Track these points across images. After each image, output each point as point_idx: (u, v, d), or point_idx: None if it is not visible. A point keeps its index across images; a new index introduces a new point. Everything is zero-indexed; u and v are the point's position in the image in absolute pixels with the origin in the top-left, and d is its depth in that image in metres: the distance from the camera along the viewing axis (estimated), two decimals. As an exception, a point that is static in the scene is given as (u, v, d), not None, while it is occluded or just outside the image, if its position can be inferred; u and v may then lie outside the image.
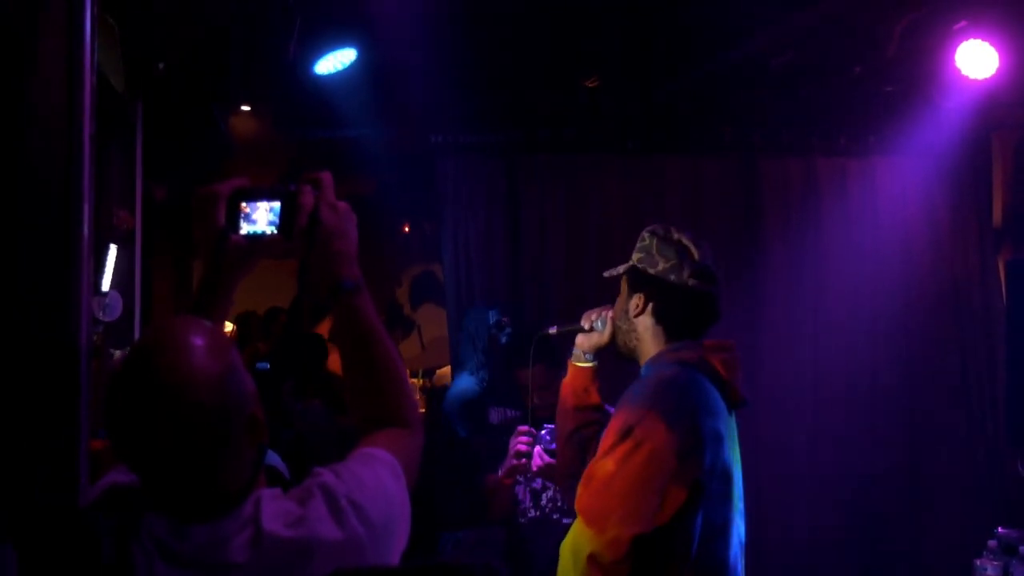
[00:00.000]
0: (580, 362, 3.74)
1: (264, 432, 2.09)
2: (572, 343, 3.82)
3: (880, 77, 6.45)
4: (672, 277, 3.40)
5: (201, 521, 2.03)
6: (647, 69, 6.59)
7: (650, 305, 3.43)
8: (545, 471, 4.45)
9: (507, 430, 4.85)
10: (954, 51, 5.79)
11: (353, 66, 5.83)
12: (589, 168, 7.08)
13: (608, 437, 3.17)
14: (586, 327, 3.70)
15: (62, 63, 2.85)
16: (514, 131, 6.98)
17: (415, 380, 9.84)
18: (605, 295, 6.85)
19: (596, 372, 3.74)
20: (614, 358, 3.65)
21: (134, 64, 4.36)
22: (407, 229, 10.87)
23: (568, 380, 3.76)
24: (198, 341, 2.02)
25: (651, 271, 3.43)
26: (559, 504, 4.69)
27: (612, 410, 3.54)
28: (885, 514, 6.86)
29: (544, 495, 4.72)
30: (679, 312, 3.43)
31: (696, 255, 3.43)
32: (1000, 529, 5.24)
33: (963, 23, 5.67)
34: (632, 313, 3.46)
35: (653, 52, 6.43)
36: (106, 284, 4.46)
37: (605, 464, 3.10)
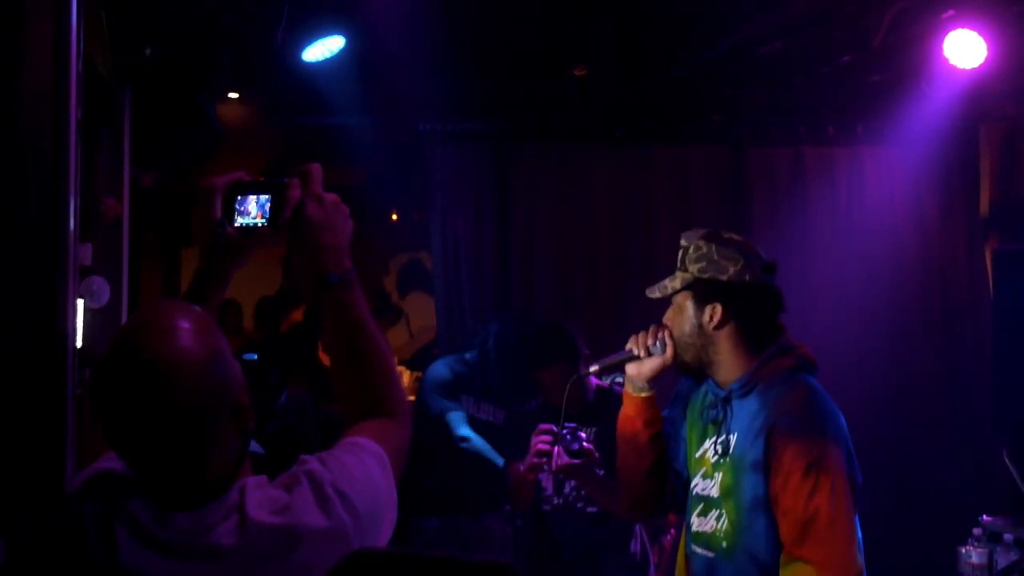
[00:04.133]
0: (643, 392, 3.50)
1: (250, 419, 2.09)
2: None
3: (868, 67, 6.45)
4: (747, 277, 3.28)
5: (187, 507, 2.03)
6: (636, 58, 6.59)
7: (730, 313, 3.30)
8: (566, 470, 4.46)
9: (528, 415, 4.89)
10: (942, 41, 5.78)
11: (341, 53, 5.82)
12: (578, 157, 7.09)
13: (790, 473, 3.09)
14: (640, 354, 3.43)
15: (48, 49, 2.85)
16: (503, 119, 6.99)
17: (403, 369, 9.84)
18: (593, 284, 6.90)
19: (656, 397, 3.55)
20: (674, 374, 3.49)
21: (121, 51, 4.35)
22: (395, 217, 10.86)
23: (633, 413, 3.51)
24: (184, 324, 2.03)
25: (723, 278, 3.28)
26: (582, 492, 4.71)
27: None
28: (870, 502, 6.86)
29: (568, 483, 4.74)
30: (761, 312, 3.35)
31: (756, 250, 3.36)
32: (985, 517, 5.26)
33: (951, 13, 5.67)
34: (710, 327, 3.30)
35: (642, 41, 6.43)
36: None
37: (816, 503, 3.06)
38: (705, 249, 3.32)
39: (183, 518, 2.03)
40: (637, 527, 4.80)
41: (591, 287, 7.01)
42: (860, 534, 3.19)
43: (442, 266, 6.92)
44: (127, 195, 5.27)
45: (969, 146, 7.40)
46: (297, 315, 8.17)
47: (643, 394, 3.48)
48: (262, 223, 2.33)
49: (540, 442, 4.44)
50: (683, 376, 3.51)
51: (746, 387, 3.28)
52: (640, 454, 3.53)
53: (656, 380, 3.48)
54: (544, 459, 4.44)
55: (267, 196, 2.33)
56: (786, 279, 7.14)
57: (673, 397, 3.63)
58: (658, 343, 3.39)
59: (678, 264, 3.38)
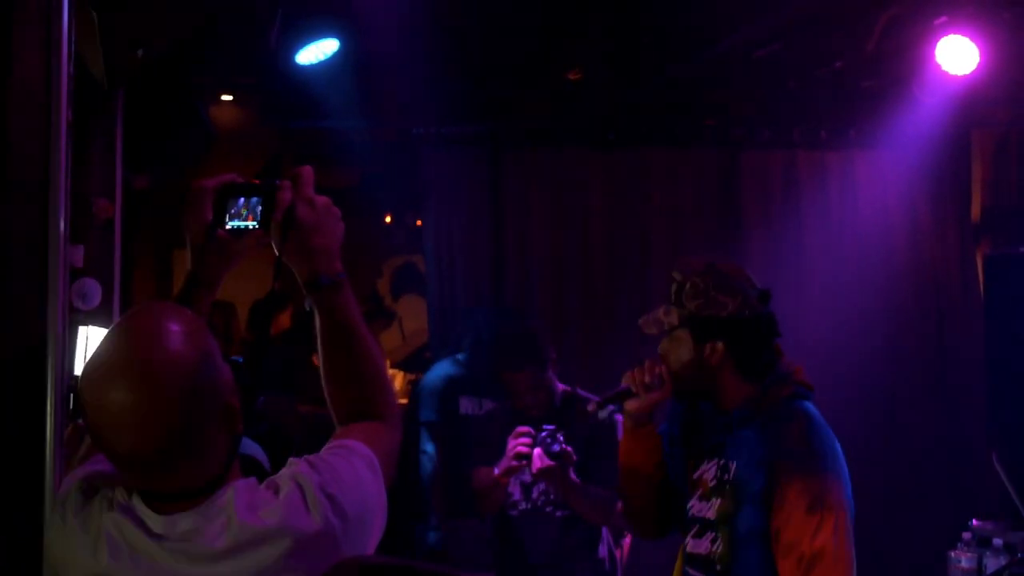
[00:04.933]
0: (643, 426, 3.49)
1: (239, 422, 2.10)
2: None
3: (861, 72, 6.46)
4: (746, 313, 3.31)
5: (176, 509, 2.04)
6: (630, 62, 6.59)
7: (730, 349, 3.31)
8: (546, 473, 4.45)
9: (491, 417, 4.88)
10: (934, 47, 5.79)
11: (335, 56, 5.81)
12: (572, 160, 7.09)
13: (793, 510, 3.12)
14: (637, 391, 3.44)
15: (39, 51, 2.85)
16: (497, 123, 6.99)
17: (397, 371, 9.83)
18: (587, 288, 6.89)
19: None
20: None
21: (114, 52, 4.35)
22: (389, 220, 10.86)
23: (636, 447, 3.53)
24: (174, 327, 2.03)
25: (722, 315, 3.30)
26: (551, 497, 4.69)
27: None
28: (860, 506, 6.87)
29: (535, 488, 4.72)
30: (760, 343, 3.37)
31: (750, 279, 3.39)
32: (974, 521, 5.26)
33: (943, 19, 5.68)
34: (712, 362, 3.32)
35: (636, 45, 6.43)
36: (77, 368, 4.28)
37: (820, 541, 3.08)
38: (702, 286, 3.32)
39: (173, 520, 2.03)
40: (604, 530, 4.78)
41: (585, 291, 7.01)
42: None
43: (435, 269, 6.92)
44: (119, 197, 5.26)
45: (961, 152, 7.42)
46: (284, 319, 8.16)
47: (644, 428, 3.50)
48: (253, 225, 2.33)
49: (520, 444, 4.42)
50: (682, 402, 3.54)
51: (745, 417, 3.30)
52: (646, 485, 3.55)
53: (656, 413, 3.50)
54: (524, 462, 4.43)
55: (258, 198, 2.33)
56: (778, 284, 7.15)
57: (669, 413, 3.66)
58: (654, 380, 3.40)
59: (672, 298, 3.39)
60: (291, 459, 2.16)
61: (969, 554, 5.10)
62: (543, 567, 4.70)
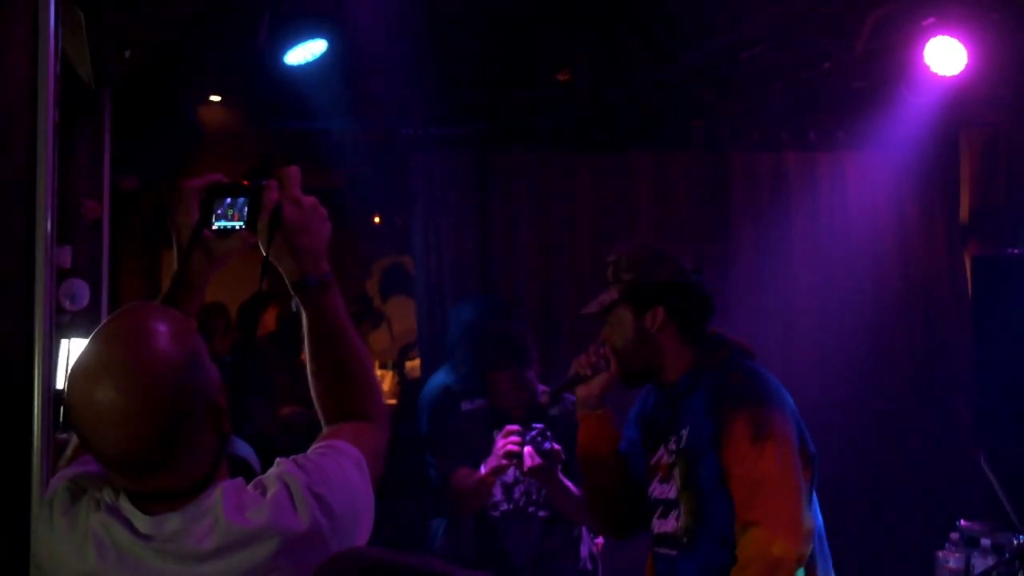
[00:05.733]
0: (597, 410, 3.58)
1: (227, 422, 2.09)
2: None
3: (849, 73, 6.48)
4: (680, 278, 3.41)
5: (163, 510, 2.03)
6: (618, 64, 6.60)
7: (670, 313, 3.40)
8: (537, 472, 4.45)
9: (475, 417, 4.87)
10: (923, 48, 5.81)
11: (324, 57, 5.81)
12: (560, 162, 7.09)
13: (739, 443, 3.19)
14: (588, 373, 3.55)
15: (26, 51, 2.84)
16: (485, 124, 6.99)
17: (386, 372, 9.83)
18: (574, 288, 6.90)
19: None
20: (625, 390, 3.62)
21: (101, 53, 4.34)
22: (377, 221, 10.86)
23: (594, 433, 3.60)
24: (161, 327, 2.03)
25: (660, 280, 3.40)
26: (533, 497, 4.68)
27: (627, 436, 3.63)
28: (848, 506, 6.89)
29: (517, 488, 4.71)
30: (698, 310, 3.46)
31: (678, 257, 3.47)
32: (962, 522, 5.28)
33: (932, 20, 5.69)
34: (653, 329, 3.41)
35: (624, 47, 6.44)
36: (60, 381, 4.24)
37: (764, 467, 3.16)
38: (636, 257, 3.45)
39: (160, 520, 2.03)
40: (584, 530, 4.78)
41: (572, 291, 7.00)
42: (816, 500, 3.32)
43: (424, 270, 6.92)
44: (107, 197, 5.25)
45: (950, 152, 7.44)
46: (269, 320, 8.15)
47: (597, 411, 3.59)
48: (240, 226, 2.32)
49: (510, 443, 4.41)
50: (630, 387, 3.61)
51: (690, 383, 3.39)
52: (605, 470, 3.63)
53: (607, 396, 3.58)
54: (513, 461, 4.42)
55: (245, 198, 2.32)
56: (767, 284, 7.22)
57: (627, 421, 3.72)
58: (600, 361, 3.51)
59: (610, 278, 3.49)
60: (278, 459, 2.16)
61: (957, 554, 5.11)
62: (526, 568, 4.69)
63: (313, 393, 2.35)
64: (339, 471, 2.15)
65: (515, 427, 4.44)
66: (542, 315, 6.83)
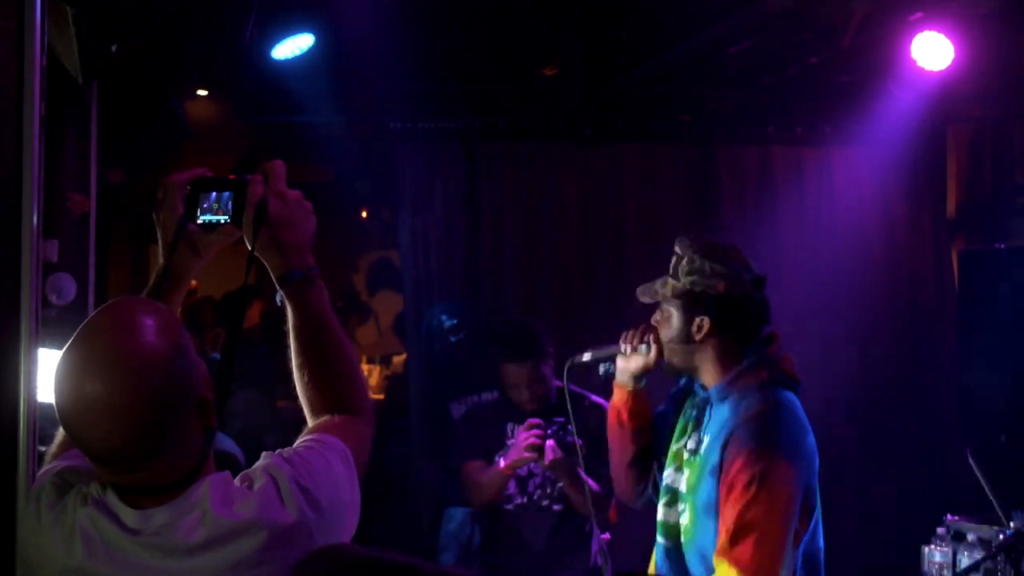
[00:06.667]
0: (628, 386, 3.62)
1: (214, 416, 2.10)
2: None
3: (836, 68, 6.48)
4: (736, 293, 3.38)
5: (151, 504, 2.04)
6: (606, 58, 6.60)
7: (716, 326, 3.39)
8: (558, 465, 4.46)
9: (489, 409, 4.89)
10: (910, 43, 5.81)
11: (311, 51, 5.81)
12: (547, 155, 7.09)
13: (734, 484, 3.18)
14: (626, 351, 3.57)
15: (11, 45, 2.83)
16: (473, 118, 6.98)
17: (373, 367, 9.83)
18: (562, 283, 6.90)
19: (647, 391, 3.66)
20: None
21: (88, 46, 4.32)
22: (365, 215, 10.85)
23: (623, 404, 3.64)
24: (148, 321, 2.03)
25: (712, 293, 3.37)
26: (548, 491, 4.70)
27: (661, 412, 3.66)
28: (834, 501, 6.90)
29: (531, 482, 4.74)
30: (746, 325, 3.44)
31: (748, 263, 3.46)
32: (949, 516, 5.28)
33: (919, 15, 5.70)
34: (698, 337, 3.40)
35: (612, 41, 6.44)
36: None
37: (754, 514, 3.13)
38: (698, 263, 3.39)
39: (147, 514, 2.03)
40: (595, 526, 4.80)
41: (560, 286, 7.01)
42: (821, 526, 3.34)
43: (411, 264, 6.91)
44: (94, 191, 5.23)
45: (936, 148, 7.45)
46: (254, 315, 8.14)
47: (628, 388, 3.61)
48: (224, 220, 2.33)
49: (532, 436, 4.44)
50: (669, 376, 3.61)
51: (722, 395, 3.37)
52: (623, 443, 3.66)
53: (642, 378, 3.60)
54: (535, 454, 4.45)
55: (230, 193, 2.33)
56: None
57: (670, 395, 3.73)
58: (643, 346, 3.51)
59: (670, 271, 3.46)
60: (265, 452, 2.16)
61: (943, 549, 5.11)
62: (539, 560, 4.72)
63: (298, 387, 2.36)
64: (325, 464, 2.16)
65: (537, 420, 4.47)
66: (529, 309, 6.82)
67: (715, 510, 3.23)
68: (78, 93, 5.04)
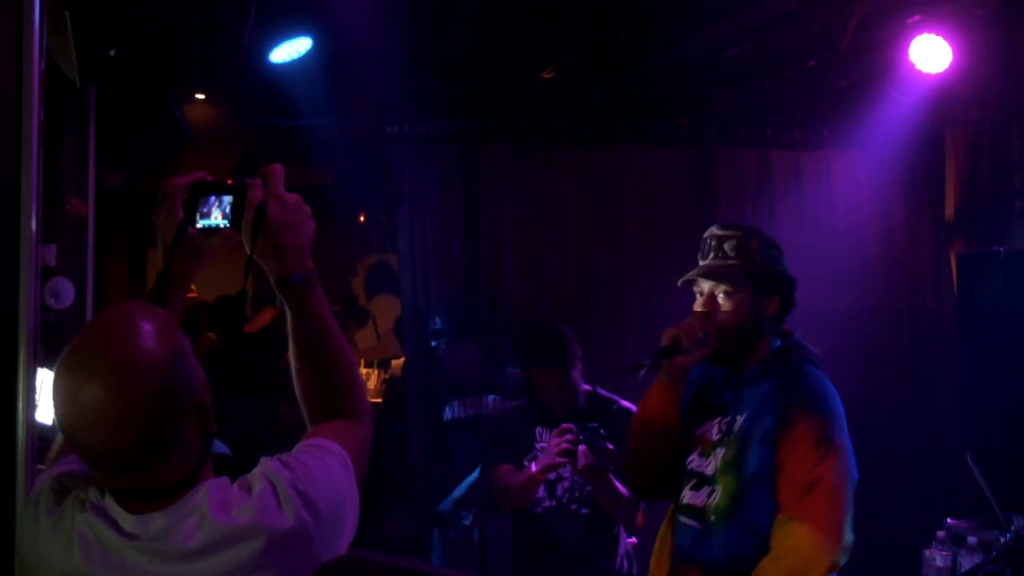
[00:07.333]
0: (681, 382, 3.53)
1: (212, 420, 2.09)
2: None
3: (834, 71, 6.48)
4: (789, 274, 3.53)
5: (149, 508, 2.04)
6: (604, 60, 6.59)
7: (783, 304, 3.52)
8: (590, 471, 4.46)
9: (517, 414, 4.89)
10: (908, 46, 5.81)
11: (309, 55, 5.80)
12: (546, 158, 7.08)
13: (800, 442, 3.27)
14: (687, 346, 3.45)
15: (10, 49, 2.83)
16: (471, 121, 6.98)
17: (371, 370, 9.82)
18: (560, 285, 6.89)
19: None
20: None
21: (87, 50, 4.32)
22: (363, 219, 10.85)
23: (670, 404, 3.54)
24: (146, 325, 2.03)
25: (780, 269, 3.50)
26: (576, 494, 4.71)
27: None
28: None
29: (560, 485, 4.75)
30: (791, 305, 3.56)
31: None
32: (949, 520, 5.29)
33: (917, 17, 5.69)
34: (766, 316, 3.48)
35: (610, 43, 6.44)
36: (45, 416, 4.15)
37: (822, 471, 3.24)
38: (763, 240, 3.49)
39: (145, 519, 2.03)
40: (622, 530, 4.81)
41: (558, 288, 7.00)
42: (852, 518, 3.35)
43: (409, 268, 6.90)
44: (92, 195, 5.24)
45: (935, 151, 7.45)
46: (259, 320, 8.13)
47: (678, 384, 3.54)
48: (224, 224, 2.33)
49: (564, 442, 4.44)
50: (708, 362, 3.59)
51: (760, 374, 3.45)
52: (669, 439, 3.58)
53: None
54: (568, 459, 4.45)
55: (229, 197, 2.33)
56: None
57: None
58: (704, 335, 3.46)
59: (732, 252, 3.47)
60: (263, 457, 2.16)
61: (944, 552, 5.12)
62: (567, 563, 4.72)
63: (297, 391, 2.36)
64: (324, 469, 2.15)
65: (570, 425, 4.47)
66: (528, 311, 6.82)
67: (767, 477, 3.30)
68: (76, 97, 5.04)
